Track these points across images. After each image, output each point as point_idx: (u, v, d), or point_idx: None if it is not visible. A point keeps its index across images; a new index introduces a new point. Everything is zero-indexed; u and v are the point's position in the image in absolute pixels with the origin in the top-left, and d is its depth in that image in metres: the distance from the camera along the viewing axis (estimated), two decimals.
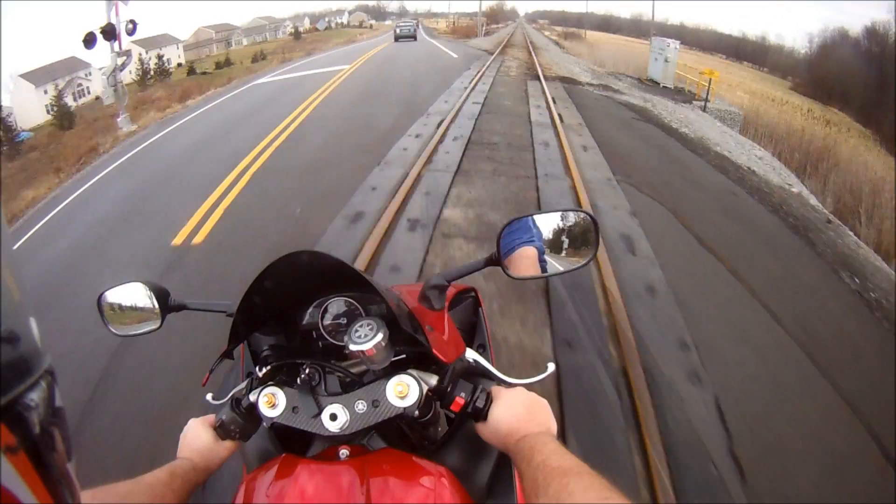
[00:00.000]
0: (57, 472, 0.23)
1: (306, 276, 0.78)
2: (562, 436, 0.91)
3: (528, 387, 0.75)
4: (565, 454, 0.58)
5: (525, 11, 59.31)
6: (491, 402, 0.70)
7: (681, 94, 13.38)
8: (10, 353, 0.21)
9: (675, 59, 13.81)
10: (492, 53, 16.97)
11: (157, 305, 0.93)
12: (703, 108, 12.16)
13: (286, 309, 0.84)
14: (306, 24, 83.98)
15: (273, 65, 24.73)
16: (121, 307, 0.95)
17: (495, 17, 42.06)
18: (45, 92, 34.18)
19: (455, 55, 17.31)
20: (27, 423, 0.21)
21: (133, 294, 0.94)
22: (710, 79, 12.22)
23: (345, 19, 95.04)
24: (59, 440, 0.23)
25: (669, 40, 13.98)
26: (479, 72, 12.11)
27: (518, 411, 0.67)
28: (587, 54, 20.89)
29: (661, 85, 13.81)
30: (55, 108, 27.59)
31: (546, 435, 0.63)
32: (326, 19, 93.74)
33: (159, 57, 36.88)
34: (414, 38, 29.11)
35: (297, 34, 55.76)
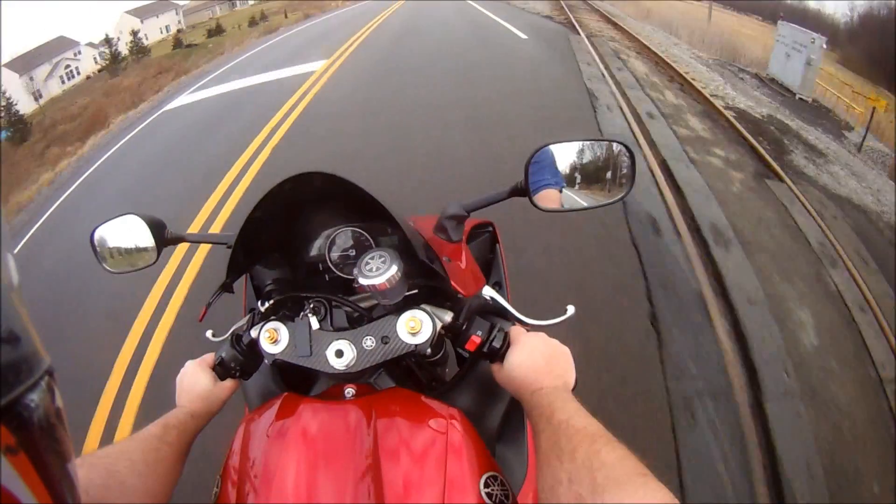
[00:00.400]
0: (57, 472, 0.23)
1: (312, 202, 0.75)
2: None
3: (548, 330, 0.71)
4: (588, 416, 0.56)
5: None
6: (509, 343, 0.68)
7: (822, 115, 9.48)
8: (10, 353, 0.21)
9: (818, 61, 9.80)
10: (565, 24, 10.61)
11: (152, 238, 0.89)
12: (859, 148, 8.73)
13: (291, 240, 0.80)
14: None
15: (249, 41, 19.78)
16: (115, 242, 0.91)
17: None
18: (31, 79, 31.09)
19: (521, 33, 9.58)
20: (27, 423, 0.21)
21: (127, 227, 0.90)
22: (874, 108, 8.47)
23: None
24: (60, 440, 0.24)
25: (813, 34, 9.88)
26: (618, 102, 5.49)
27: (536, 360, 0.65)
28: (639, 17, 15.77)
29: (797, 96, 9.81)
30: (2, 118, 24.36)
31: (565, 391, 0.62)
32: None
33: (134, 34, 32.98)
34: None
35: None
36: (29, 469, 0.21)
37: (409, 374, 0.77)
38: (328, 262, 0.80)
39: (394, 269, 0.64)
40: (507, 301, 0.78)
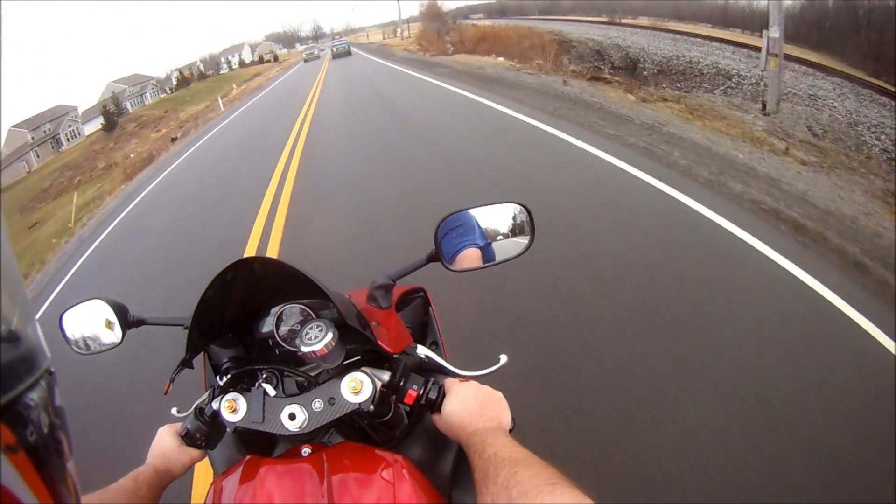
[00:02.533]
0: (57, 472, 0.24)
1: (259, 283, 0.84)
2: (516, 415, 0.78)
3: (484, 379, 0.82)
4: (516, 446, 0.63)
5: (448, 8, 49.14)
6: (444, 394, 0.76)
7: None
8: (10, 353, 0.22)
9: None
10: None
11: (117, 322, 0.98)
12: None
13: (242, 318, 0.90)
14: (198, 70, 67.52)
15: None
16: (82, 325, 0.99)
17: (439, 18, 33.19)
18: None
19: None
20: (27, 423, 0.22)
21: (93, 312, 0.99)
22: None
23: (245, 55, 78.65)
24: (60, 440, 0.24)
25: None
26: None
27: (469, 405, 0.73)
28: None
29: None
30: None
31: (497, 429, 0.69)
32: (224, 59, 77.68)
33: None
34: (349, 53, 34.10)
35: (109, 122, 36.25)
36: (29, 468, 0.21)
37: (364, 435, 0.83)
38: (277, 337, 0.86)
39: (329, 336, 0.72)
40: (445, 358, 0.90)
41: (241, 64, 70.58)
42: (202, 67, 66.67)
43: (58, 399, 0.24)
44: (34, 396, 0.22)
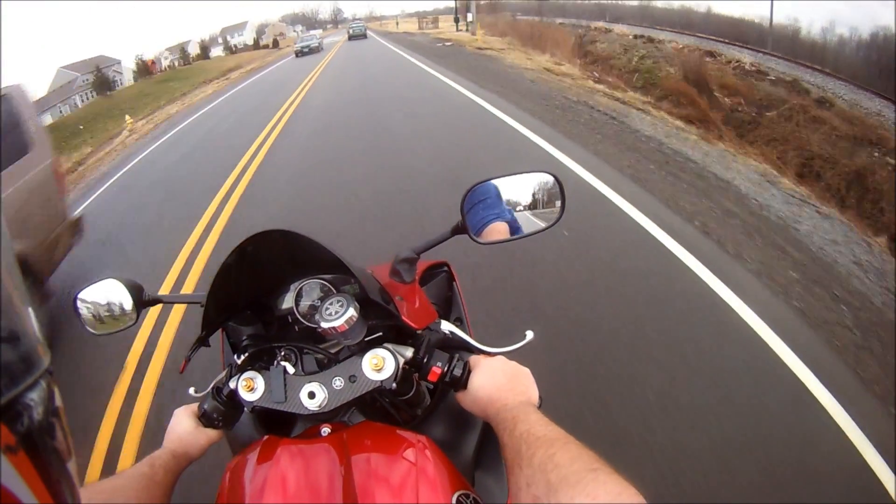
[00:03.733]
0: (57, 472, 0.24)
1: (278, 257, 0.83)
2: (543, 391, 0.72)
3: (509, 356, 0.80)
4: (550, 424, 0.61)
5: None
6: (469, 370, 0.76)
7: None
8: (10, 353, 0.22)
9: None
10: None
11: (132, 301, 0.97)
12: None
13: (260, 294, 0.90)
14: (192, 51, 56.48)
15: None
16: (96, 306, 0.98)
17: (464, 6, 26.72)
18: None
19: None
20: (27, 423, 0.22)
21: (107, 291, 0.97)
22: None
23: (246, 37, 67.91)
24: (59, 440, 0.25)
25: None
26: None
27: (498, 380, 0.72)
28: None
29: None
30: None
31: (528, 405, 0.68)
32: (220, 39, 67.23)
33: None
34: (364, 36, 33.65)
35: None
36: (29, 468, 0.21)
37: (385, 413, 0.83)
38: (296, 313, 0.86)
39: (350, 311, 0.71)
40: (469, 334, 0.88)
41: (229, 49, 59.48)
42: (197, 47, 56.19)
43: (58, 399, 0.25)
44: (34, 396, 0.22)
